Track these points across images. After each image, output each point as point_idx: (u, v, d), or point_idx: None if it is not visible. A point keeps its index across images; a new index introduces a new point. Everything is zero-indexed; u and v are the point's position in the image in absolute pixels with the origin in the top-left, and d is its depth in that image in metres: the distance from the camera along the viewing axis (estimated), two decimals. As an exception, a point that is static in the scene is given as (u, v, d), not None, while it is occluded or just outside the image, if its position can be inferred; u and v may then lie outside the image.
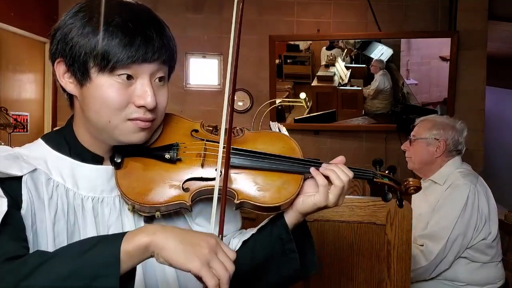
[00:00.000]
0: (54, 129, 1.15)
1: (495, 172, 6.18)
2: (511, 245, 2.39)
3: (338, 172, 0.98)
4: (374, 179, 1.08)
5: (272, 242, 1.01)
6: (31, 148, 0.95)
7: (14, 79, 3.60)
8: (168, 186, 0.95)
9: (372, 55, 3.98)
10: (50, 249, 0.87)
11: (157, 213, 0.94)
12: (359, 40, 4.00)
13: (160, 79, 0.93)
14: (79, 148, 0.96)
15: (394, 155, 3.88)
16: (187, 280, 0.97)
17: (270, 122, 2.39)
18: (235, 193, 0.96)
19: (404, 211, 1.63)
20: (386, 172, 1.10)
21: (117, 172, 0.95)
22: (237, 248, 1.05)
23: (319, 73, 4.04)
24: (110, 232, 0.94)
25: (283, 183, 0.98)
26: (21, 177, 0.87)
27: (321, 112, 4.09)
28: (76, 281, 0.71)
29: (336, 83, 4.02)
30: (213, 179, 0.94)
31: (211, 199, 0.88)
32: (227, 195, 0.94)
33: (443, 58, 3.92)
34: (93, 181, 0.95)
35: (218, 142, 0.94)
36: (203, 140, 1.00)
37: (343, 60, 4.01)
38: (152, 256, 0.75)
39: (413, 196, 2.35)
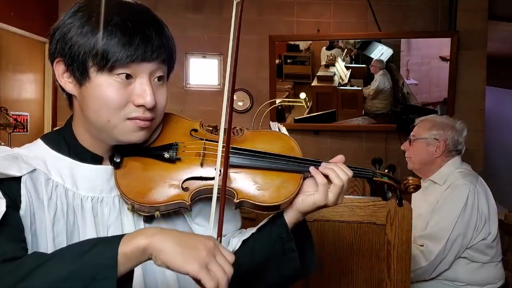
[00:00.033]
0: (54, 129, 1.15)
1: (495, 172, 6.18)
2: (511, 245, 2.39)
3: (338, 171, 0.98)
4: (374, 178, 1.08)
5: (272, 241, 1.01)
6: (30, 149, 0.95)
7: (14, 79, 3.60)
8: (167, 186, 0.95)
9: (372, 55, 3.98)
10: (50, 249, 0.87)
11: (157, 213, 0.94)
12: (359, 40, 4.00)
13: (159, 78, 0.93)
14: (79, 148, 0.96)
15: (394, 155, 3.88)
16: (187, 283, 0.97)
17: (270, 122, 2.40)
18: (234, 192, 0.96)
19: (404, 211, 1.63)
20: (386, 171, 1.10)
21: (116, 171, 0.95)
22: (237, 247, 1.05)
23: (319, 73, 4.03)
24: (110, 232, 0.94)
25: (282, 182, 0.98)
26: (20, 178, 0.87)
27: (321, 112, 4.09)
28: (74, 282, 0.71)
29: (336, 83, 4.02)
30: (213, 178, 0.94)
31: (210, 198, 0.89)
32: (226, 194, 0.94)
33: (443, 58, 3.92)
34: (93, 181, 0.95)
35: (218, 142, 0.94)
36: (202, 139, 1.00)
37: (343, 60, 4.01)
38: (150, 259, 0.74)
39: (413, 196, 2.36)
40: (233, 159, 0.97)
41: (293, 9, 4.14)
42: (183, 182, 0.95)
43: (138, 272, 0.92)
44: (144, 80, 0.89)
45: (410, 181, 1.09)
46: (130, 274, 0.76)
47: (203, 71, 4.23)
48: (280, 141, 1.05)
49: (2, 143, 3.10)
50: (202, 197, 0.97)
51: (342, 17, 4.11)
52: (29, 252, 0.84)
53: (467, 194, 2.06)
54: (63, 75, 0.92)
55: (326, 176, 0.98)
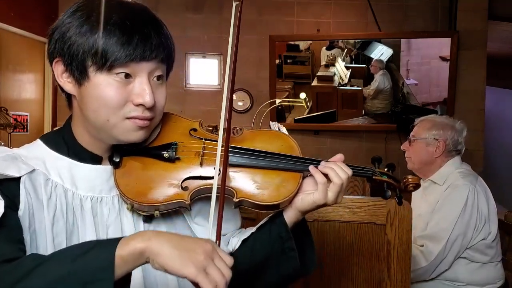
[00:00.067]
0: (54, 129, 1.15)
1: (495, 172, 6.18)
2: (511, 245, 2.39)
3: (337, 169, 0.98)
4: (373, 177, 1.07)
5: (271, 240, 1.00)
6: (29, 149, 0.95)
7: (14, 79, 3.60)
8: (167, 185, 0.95)
9: (372, 55, 3.98)
10: (49, 249, 0.87)
11: (156, 212, 0.94)
12: (359, 40, 4.00)
13: (159, 77, 0.93)
14: (78, 148, 0.96)
15: (394, 155, 3.88)
16: (188, 284, 0.97)
17: (270, 122, 2.40)
18: (234, 191, 0.96)
19: (404, 211, 1.63)
20: (385, 169, 1.10)
21: (115, 171, 0.95)
22: (236, 247, 1.05)
23: (319, 73, 4.03)
24: (109, 232, 0.94)
25: (282, 181, 0.98)
26: (19, 178, 0.87)
27: (321, 112, 4.09)
28: (71, 284, 0.71)
29: (336, 83, 4.02)
30: (212, 177, 0.94)
31: (210, 198, 0.89)
32: (226, 193, 0.94)
33: (443, 58, 3.92)
34: (92, 181, 0.95)
35: (217, 141, 0.94)
36: (201, 139, 1.00)
37: (343, 60, 4.01)
38: (147, 262, 0.74)
39: (412, 196, 2.36)
40: (233, 158, 0.97)
41: (293, 9, 4.14)
42: (182, 182, 0.95)
43: (138, 274, 0.92)
44: (143, 79, 0.89)
45: (410, 180, 1.09)
46: (127, 277, 0.76)
47: (203, 71, 4.23)
48: (279, 140, 1.05)
49: (2, 143, 3.10)
50: (201, 196, 0.97)
51: (342, 17, 4.11)
52: (27, 252, 0.84)
53: (467, 194, 2.06)
54: (62, 75, 0.92)
55: (326, 175, 0.98)
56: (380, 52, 3.96)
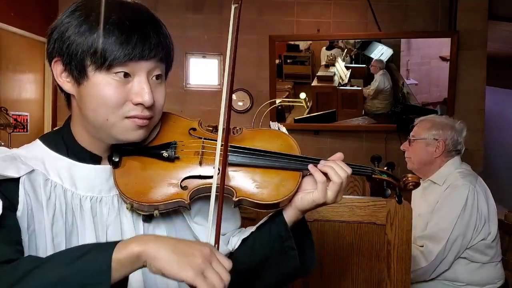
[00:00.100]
0: (54, 129, 1.15)
1: (495, 172, 6.18)
2: (511, 245, 2.39)
3: (336, 168, 0.98)
4: (373, 175, 1.07)
5: (271, 239, 1.00)
6: (29, 149, 0.95)
7: (14, 79, 3.60)
8: (166, 185, 0.95)
9: (372, 55, 3.98)
10: (49, 249, 0.87)
11: (156, 212, 0.94)
12: (359, 40, 4.00)
13: (158, 77, 0.93)
14: (77, 148, 0.96)
15: (394, 155, 3.87)
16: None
17: (270, 122, 2.40)
18: (233, 190, 0.96)
19: (404, 211, 1.63)
20: (385, 168, 1.10)
21: (115, 171, 0.95)
22: (236, 246, 1.05)
23: (319, 73, 4.03)
24: (109, 232, 0.94)
25: (281, 180, 0.98)
26: (18, 179, 0.87)
27: (321, 112, 4.09)
28: (68, 286, 0.71)
29: (336, 83, 4.02)
30: (212, 177, 0.94)
31: (210, 197, 0.89)
32: (225, 192, 0.94)
33: (443, 58, 3.92)
34: (91, 180, 0.95)
35: (216, 140, 0.94)
36: (201, 138, 1.00)
37: (343, 60, 4.01)
38: (144, 266, 0.74)
39: (412, 196, 2.36)
40: (232, 158, 0.97)
41: (293, 9, 4.14)
42: (182, 181, 0.95)
43: (138, 276, 0.92)
44: (142, 78, 0.89)
45: (410, 178, 1.09)
46: (124, 281, 0.76)
47: (203, 71, 4.23)
48: (278, 140, 1.05)
49: (2, 143, 3.10)
50: (201, 195, 0.97)
51: (342, 17, 4.11)
52: (26, 253, 0.84)
53: (466, 194, 2.06)
54: (61, 74, 0.92)
55: (325, 174, 0.98)
56: (380, 52, 3.96)
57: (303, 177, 1.00)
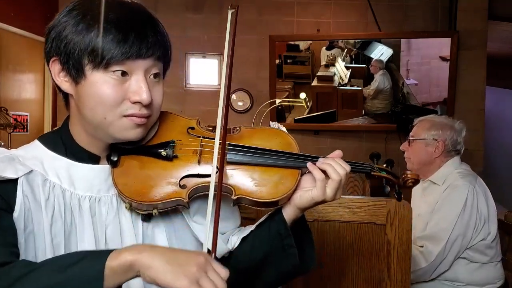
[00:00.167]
0: (53, 129, 1.15)
1: (495, 172, 6.18)
2: (511, 245, 2.39)
3: (335, 166, 0.97)
4: (372, 173, 1.07)
5: (271, 237, 1.00)
6: (27, 150, 0.95)
7: (14, 79, 3.60)
8: (165, 184, 0.94)
9: (372, 55, 3.98)
10: (48, 250, 0.87)
11: (155, 211, 0.94)
12: (359, 40, 4.00)
13: (155, 75, 0.93)
14: (75, 148, 0.96)
15: (394, 155, 3.85)
16: None
17: (270, 122, 2.40)
18: (232, 189, 0.96)
19: (404, 211, 1.63)
20: (384, 165, 1.10)
21: (113, 170, 0.95)
22: (236, 245, 1.04)
23: (319, 73, 4.03)
24: (108, 231, 0.94)
25: (280, 178, 0.98)
26: (16, 180, 0.86)
27: (321, 112, 4.09)
28: None
29: (336, 83, 4.02)
30: (210, 175, 0.93)
31: (208, 196, 0.88)
32: (224, 191, 0.94)
33: (443, 58, 3.92)
34: (90, 180, 0.94)
35: (214, 139, 0.94)
36: (199, 137, 1.00)
37: (343, 60, 4.01)
38: (138, 276, 0.74)
39: (412, 196, 2.36)
40: (230, 156, 0.97)
41: (293, 9, 4.14)
42: (180, 180, 0.95)
43: (138, 284, 0.91)
44: (140, 76, 0.89)
45: (409, 175, 1.09)
46: None
47: (203, 71, 4.23)
48: (277, 138, 1.04)
49: (2, 143, 3.10)
50: (200, 194, 0.97)
51: (342, 17, 4.11)
52: (22, 255, 0.84)
53: (466, 194, 2.06)
54: (59, 74, 0.92)
55: (324, 172, 0.98)
56: (380, 52, 3.96)
57: (302, 175, 1.00)
